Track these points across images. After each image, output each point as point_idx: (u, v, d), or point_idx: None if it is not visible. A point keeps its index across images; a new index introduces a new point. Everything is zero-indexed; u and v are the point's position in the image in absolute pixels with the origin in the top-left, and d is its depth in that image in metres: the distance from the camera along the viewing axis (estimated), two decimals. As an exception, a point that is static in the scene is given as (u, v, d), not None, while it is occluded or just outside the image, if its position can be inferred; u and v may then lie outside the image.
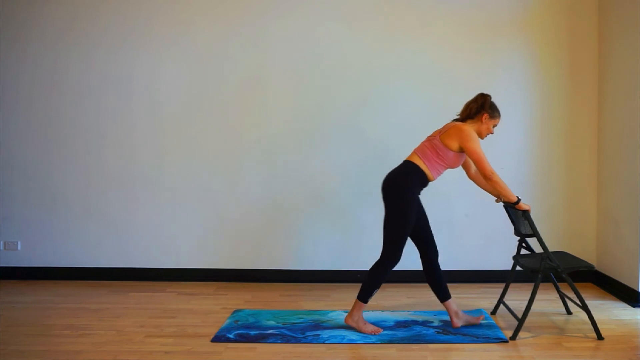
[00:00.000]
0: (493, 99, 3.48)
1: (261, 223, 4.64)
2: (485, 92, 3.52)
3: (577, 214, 4.60)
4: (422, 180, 3.41)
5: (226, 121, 4.62)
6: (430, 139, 3.47)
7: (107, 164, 4.67)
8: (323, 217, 4.62)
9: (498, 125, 3.52)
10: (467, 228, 4.57)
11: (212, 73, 4.61)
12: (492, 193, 3.58)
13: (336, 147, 4.60)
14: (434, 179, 3.45)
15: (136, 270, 4.69)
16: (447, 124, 3.49)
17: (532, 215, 3.43)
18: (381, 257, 3.43)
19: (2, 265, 4.71)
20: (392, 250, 3.39)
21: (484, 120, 3.42)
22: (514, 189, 4.49)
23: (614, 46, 4.31)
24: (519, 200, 3.39)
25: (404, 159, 3.51)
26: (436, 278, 3.52)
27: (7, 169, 4.70)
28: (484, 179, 3.39)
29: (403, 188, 3.37)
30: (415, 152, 3.47)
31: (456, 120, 3.52)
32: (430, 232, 3.54)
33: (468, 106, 3.48)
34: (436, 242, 3.55)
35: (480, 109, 3.42)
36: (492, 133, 3.49)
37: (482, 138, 3.46)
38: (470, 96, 3.55)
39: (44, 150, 4.69)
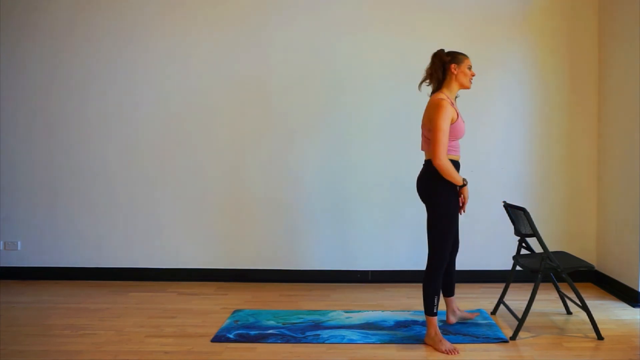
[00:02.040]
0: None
1: (261, 223, 4.64)
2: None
3: (577, 214, 4.60)
4: (455, 168, 3.23)
5: (227, 121, 4.62)
6: (422, 134, 3.31)
7: (107, 164, 4.67)
8: (323, 217, 4.62)
9: (474, 71, 3.34)
10: (467, 228, 4.56)
11: (214, 73, 4.61)
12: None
13: (337, 148, 4.60)
14: (459, 155, 3.28)
15: (136, 270, 4.69)
16: (427, 105, 3.26)
17: (532, 215, 3.43)
18: (429, 262, 3.24)
19: (2, 265, 4.72)
20: (442, 252, 3.21)
21: (455, 71, 3.21)
22: (514, 190, 4.53)
23: (614, 47, 4.31)
24: (465, 183, 3.23)
25: (425, 159, 3.34)
26: (450, 274, 3.51)
27: (7, 169, 4.70)
28: (432, 160, 3.15)
29: (440, 189, 3.19)
30: (428, 149, 3.25)
31: (431, 95, 3.29)
32: (457, 226, 3.39)
33: (432, 73, 3.25)
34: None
35: (443, 65, 3.22)
36: (474, 74, 3.29)
37: (468, 87, 3.26)
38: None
39: (44, 149, 4.69)
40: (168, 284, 4.59)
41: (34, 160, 4.69)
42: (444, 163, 3.10)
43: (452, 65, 3.22)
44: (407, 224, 4.55)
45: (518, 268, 3.73)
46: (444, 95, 3.20)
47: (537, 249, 3.60)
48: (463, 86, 3.26)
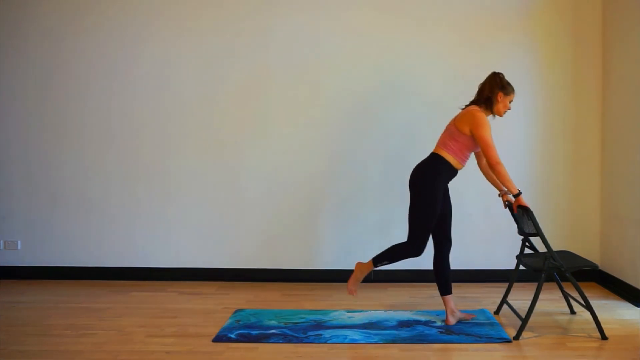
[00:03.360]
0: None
1: (262, 223, 4.62)
2: None
3: (581, 213, 4.57)
4: (450, 171, 3.45)
5: (226, 121, 4.61)
6: (447, 127, 3.51)
7: (107, 164, 4.66)
8: (325, 217, 4.60)
9: (514, 101, 3.54)
10: (471, 227, 4.55)
11: (214, 73, 4.59)
12: (496, 186, 3.63)
13: (339, 147, 4.58)
14: (462, 166, 3.50)
15: (137, 270, 4.67)
16: (463, 110, 3.50)
17: (536, 214, 3.41)
18: (406, 241, 3.50)
19: (2, 264, 4.70)
20: (416, 241, 3.44)
21: (499, 99, 3.44)
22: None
23: (618, 44, 4.28)
24: (519, 192, 3.38)
25: (431, 151, 3.54)
26: (442, 271, 3.55)
27: (7, 168, 4.69)
28: (490, 167, 3.38)
29: (429, 180, 3.42)
30: (438, 144, 3.50)
31: (471, 103, 3.53)
32: (450, 224, 3.59)
33: (481, 88, 3.50)
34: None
35: (493, 88, 3.44)
36: (509, 109, 3.52)
37: (500, 116, 3.50)
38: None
39: (44, 149, 4.68)
40: (169, 283, 4.57)
41: (34, 160, 4.68)
42: (501, 165, 3.34)
43: (500, 94, 3.44)
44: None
45: (521, 267, 3.70)
46: (482, 111, 3.43)
47: (541, 248, 3.58)
48: (497, 113, 3.49)
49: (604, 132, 4.51)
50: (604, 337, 3.32)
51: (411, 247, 3.46)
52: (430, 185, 3.42)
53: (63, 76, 4.65)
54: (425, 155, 3.65)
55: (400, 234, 4.52)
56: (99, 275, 4.68)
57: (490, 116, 3.53)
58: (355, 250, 4.58)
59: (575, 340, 3.31)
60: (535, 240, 3.60)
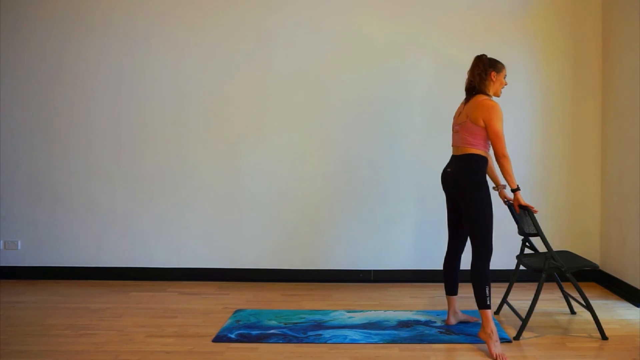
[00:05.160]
0: (494, 98, 3.44)
1: (263, 222, 4.62)
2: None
3: (581, 213, 4.57)
4: (486, 164, 3.34)
5: (227, 121, 4.60)
6: (462, 125, 3.33)
7: (107, 164, 4.65)
8: (325, 217, 4.60)
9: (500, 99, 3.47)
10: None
11: (215, 72, 4.59)
12: (494, 179, 3.56)
13: (339, 148, 4.58)
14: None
15: (137, 270, 4.67)
16: (470, 103, 3.33)
17: (536, 214, 3.41)
18: (475, 257, 3.29)
19: (2, 264, 4.70)
20: (484, 244, 3.28)
21: (494, 79, 3.34)
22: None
23: (618, 44, 4.28)
24: (518, 188, 3.33)
25: (454, 154, 3.39)
26: (452, 271, 3.54)
27: (7, 168, 4.68)
28: (497, 158, 3.25)
29: (477, 181, 3.28)
30: (463, 144, 3.32)
31: (472, 95, 3.37)
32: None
33: (470, 76, 3.37)
34: (442, 242, 3.54)
35: (485, 70, 3.33)
36: (506, 84, 3.41)
37: (498, 95, 3.39)
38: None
39: (44, 149, 4.67)
40: (169, 283, 4.57)
41: (34, 159, 4.68)
42: (508, 158, 3.23)
43: (492, 73, 3.34)
44: (410, 223, 4.53)
45: (521, 267, 3.70)
46: (492, 99, 3.31)
47: (541, 248, 3.58)
48: (496, 94, 3.39)
49: (604, 132, 4.51)
50: (604, 337, 3.32)
51: (487, 252, 3.29)
52: (480, 186, 3.27)
53: (65, 76, 4.65)
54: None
55: (401, 233, 4.53)
56: (98, 275, 4.68)
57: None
58: (356, 250, 4.59)
59: (575, 340, 3.31)
60: (536, 240, 3.60)
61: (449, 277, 3.54)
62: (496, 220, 4.43)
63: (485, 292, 3.21)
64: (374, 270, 4.58)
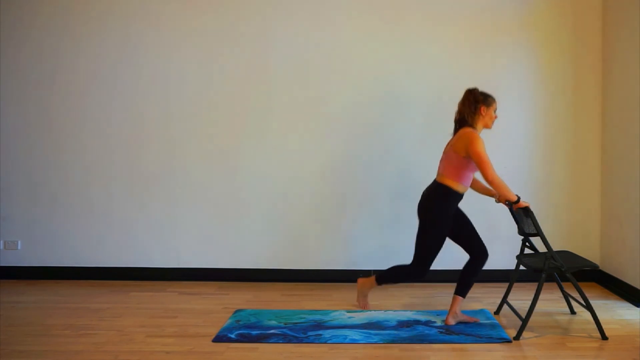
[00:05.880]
0: (496, 96, 3.49)
1: (263, 222, 4.62)
2: (487, 90, 3.54)
3: (581, 213, 4.57)
4: (456, 198, 3.50)
5: (227, 120, 4.60)
6: (446, 154, 3.52)
7: (107, 163, 4.65)
8: (325, 217, 4.60)
9: (498, 108, 3.57)
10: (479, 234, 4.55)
11: (215, 72, 4.59)
12: (488, 193, 3.67)
13: (339, 149, 4.58)
14: (467, 189, 3.53)
15: (137, 270, 4.67)
16: (456, 135, 3.51)
17: (536, 214, 3.41)
18: (410, 264, 3.60)
19: (2, 264, 4.70)
20: (420, 265, 3.55)
21: (483, 113, 3.46)
22: (517, 189, 4.50)
23: (618, 44, 4.28)
24: (518, 199, 3.40)
25: (434, 177, 3.59)
26: (467, 274, 3.57)
27: (7, 168, 4.68)
28: (488, 183, 3.40)
29: (437, 209, 3.49)
30: (441, 173, 3.52)
31: (458, 126, 3.54)
32: (478, 237, 3.60)
33: (461, 109, 3.51)
34: (446, 243, 3.58)
35: (474, 104, 3.45)
36: (496, 117, 3.54)
37: (489, 128, 3.53)
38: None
39: (44, 149, 4.67)
40: (169, 283, 4.57)
41: (34, 160, 4.68)
42: (497, 179, 3.34)
43: (482, 107, 3.47)
44: (410, 224, 4.50)
45: (521, 267, 3.70)
46: (475, 131, 3.45)
47: (541, 248, 3.57)
48: (486, 127, 3.53)
49: (603, 131, 4.51)
50: (604, 337, 3.31)
51: (415, 270, 3.57)
52: (438, 214, 3.49)
53: (65, 76, 4.64)
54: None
55: (401, 233, 4.53)
56: (98, 276, 4.67)
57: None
58: (356, 250, 4.59)
59: (575, 340, 3.31)
60: (536, 240, 3.60)
61: (462, 278, 3.59)
62: (496, 220, 4.47)
63: (388, 282, 3.82)
64: (374, 271, 4.58)
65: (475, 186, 3.71)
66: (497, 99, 3.55)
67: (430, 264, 3.54)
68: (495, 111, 3.51)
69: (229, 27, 4.58)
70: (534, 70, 4.53)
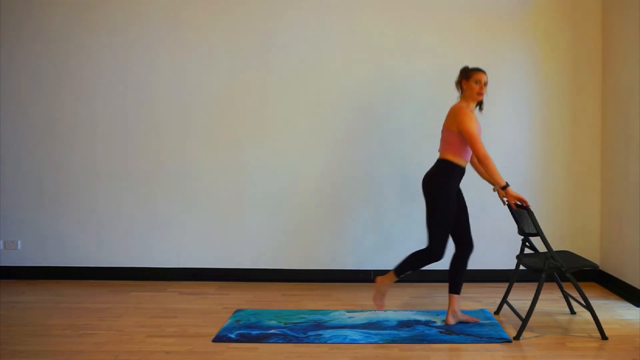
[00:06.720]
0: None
1: (263, 222, 4.62)
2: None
3: (581, 213, 4.57)
4: (458, 172, 3.51)
5: (227, 121, 4.61)
6: (442, 132, 3.57)
7: (107, 163, 4.66)
8: (325, 217, 4.60)
9: (483, 81, 3.49)
10: (470, 227, 4.54)
11: (215, 72, 4.59)
12: (488, 180, 3.66)
13: (339, 149, 4.58)
14: (467, 161, 3.56)
15: (137, 270, 4.67)
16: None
17: (536, 214, 3.41)
18: (426, 248, 3.53)
19: (2, 264, 4.70)
20: (436, 246, 3.49)
21: (464, 86, 3.51)
22: (517, 189, 4.49)
23: (618, 43, 4.28)
24: (507, 185, 3.41)
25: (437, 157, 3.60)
26: (456, 269, 3.58)
27: (7, 169, 4.68)
28: (478, 160, 3.41)
29: (442, 185, 3.48)
30: (440, 149, 3.57)
31: None
32: (468, 225, 3.62)
33: (456, 85, 3.59)
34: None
35: (459, 80, 3.55)
36: (482, 89, 3.47)
37: (474, 101, 3.51)
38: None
39: (44, 149, 4.67)
40: (169, 283, 4.57)
41: (35, 160, 4.68)
42: (488, 157, 3.37)
43: (463, 81, 3.53)
44: (410, 223, 4.53)
45: (521, 267, 3.70)
46: (463, 103, 3.50)
47: (541, 248, 3.57)
48: (472, 99, 3.50)
49: (603, 131, 4.51)
50: (604, 337, 3.31)
51: (432, 253, 3.50)
52: (443, 190, 3.48)
53: (66, 76, 4.64)
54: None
55: (402, 233, 4.54)
56: (98, 275, 4.68)
57: (477, 112, 3.57)
58: (356, 250, 4.59)
59: (575, 340, 3.31)
60: (536, 240, 3.60)
61: (453, 275, 3.60)
62: (496, 220, 4.47)
63: (406, 272, 3.59)
64: (374, 271, 4.58)
65: (480, 170, 3.72)
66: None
67: (445, 243, 3.49)
68: (477, 82, 3.46)
69: (235, 28, 4.57)
70: (533, 70, 4.53)
